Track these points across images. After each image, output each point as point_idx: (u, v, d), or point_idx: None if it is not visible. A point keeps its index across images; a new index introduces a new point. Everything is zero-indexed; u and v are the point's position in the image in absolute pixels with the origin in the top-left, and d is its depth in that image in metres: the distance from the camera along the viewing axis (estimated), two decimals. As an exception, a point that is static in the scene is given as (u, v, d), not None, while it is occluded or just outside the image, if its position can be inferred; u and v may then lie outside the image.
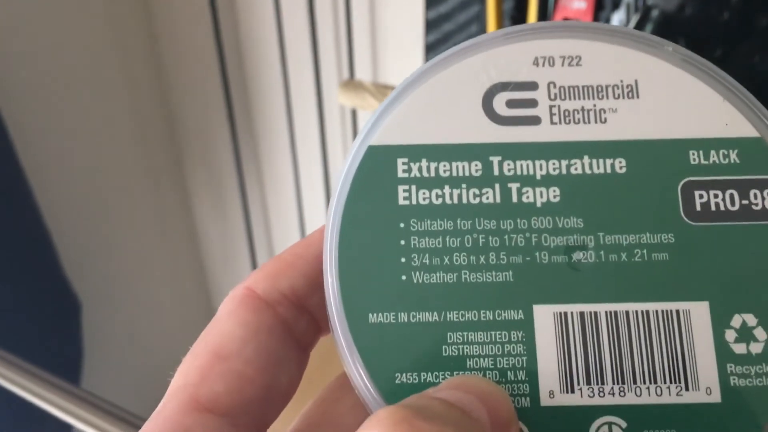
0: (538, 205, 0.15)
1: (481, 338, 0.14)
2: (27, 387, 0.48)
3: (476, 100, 0.16)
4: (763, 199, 0.15)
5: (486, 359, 0.14)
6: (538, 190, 0.15)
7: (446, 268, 0.15)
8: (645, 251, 0.15)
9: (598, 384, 0.14)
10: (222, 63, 0.83)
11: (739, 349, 0.14)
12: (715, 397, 0.14)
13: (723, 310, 0.14)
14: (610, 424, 0.14)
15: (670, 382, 0.14)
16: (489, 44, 0.16)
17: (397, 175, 0.15)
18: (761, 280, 0.14)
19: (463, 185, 0.15)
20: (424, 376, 0.14)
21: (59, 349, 0.79)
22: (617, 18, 0.53)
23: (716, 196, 0.15)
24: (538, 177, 0.15)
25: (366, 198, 0.15)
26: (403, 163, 0.15)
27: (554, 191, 0.15)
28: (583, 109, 0.15)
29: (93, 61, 0.83)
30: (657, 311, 0.14)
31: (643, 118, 0.15)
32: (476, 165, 0.15)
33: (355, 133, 0.77)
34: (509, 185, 0.15)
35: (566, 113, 0.15)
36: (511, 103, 0.16)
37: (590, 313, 0.14)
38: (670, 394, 0.14)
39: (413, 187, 0.15)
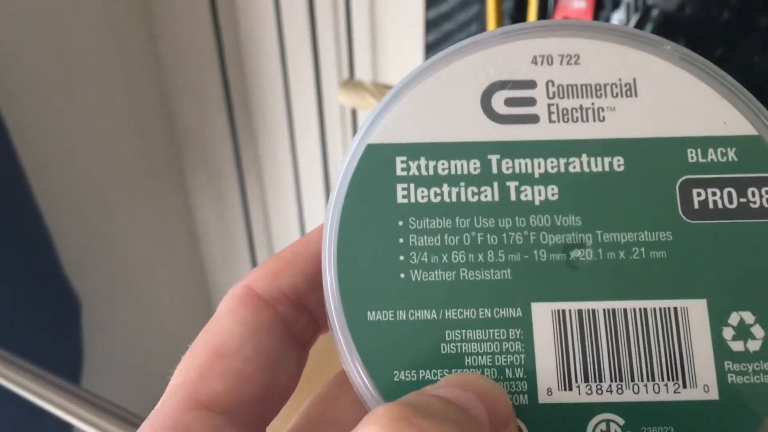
0: (537, 203, 0.15)
1: (479, 336, 0.14)
2: (27, 386, 0.48)
3: (475, 99, 0.16)
4: (761, 197, 0.15)
5: (484, 357, 0.14)
6: (536, 188, 0.15)
7: (445, 266, 0.15)
8: (643, 249, 0.15)
9: (596, 381, 0.14)
10: (222, 63, 0.83)
11: (737, 346, 0.14)
12: (713, 395, 0.14)
13: (721, 307, 0.14)
14: (608, 421, 0.14)
15: (668, 380, 0.14)
16: (488, 43, 0.16)
17: (396, 174, 0.15)
18: (759, 277, 0.14)
19: (462, 183, 0.15)
20: (422, 373, 0.14)
21: (59, 349, 0.79)
22: (617, 18, 0.53)
23: (714, 194, 0.15)
24: (537, 175, 0.15)
25: (365, 196, 0.15)
26: (402, 162, 0.15)
27: (552, 189, 0.15)
28: (581, 107, 0.15)
29: (93, 61, 0.83)
30: (655, 309, 0.14)
31: (641, 117, 0.15)
32: (475, 163, 0.15)
33: (354, 133, 0.77)
34: (508, 183, 0.15)
35: (565, 111, 0.15)
36: (509, 102, 0.16)
37: (588, 310, 0.14)
38: (667, 392, 0.14)
39: (412, 186, 0.15)
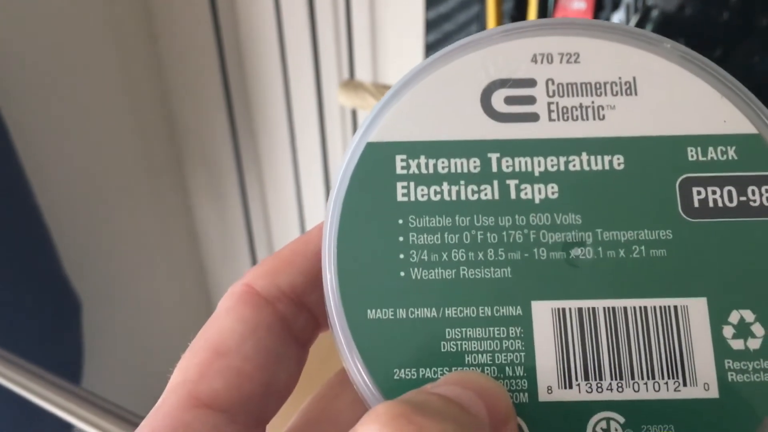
0: (537, 201, 0.15)
1: (479, 334, 0.14)
2: (27, 386, 0.48)
3: (475, 97, 0.16)
4: (761, 195, 0.15)
5: (484, 355, 0.14)
6: (536, 186, 0.15)
7: (445, 264, 0.15)
8: (643, 247, 0.15)
9: (596, 380, 0.14)
10: (222, 63, 0.83)
11: (737, 345, 0.14)
12: (713, 393, 0.14)
13: (721, 306, 0.14)
14: (608, 419, 0.14)
15: (668, 378, 0.14)
16: (488, 41, 0.16)
17: (396, 172, 0.15)
18: (759, 276, 0.14)
19: (462, 182, 0.15)
20: (422, 371, 0.14)
21: (59, 349, 0.79)
22: (617, 18, 0.53)
23: (714, 192, 0.15)
24: (537, 173, 0.15)
25: (364, 195, 0.15)
26: (402, 160, 0.15)
27: (552, 188, 0.15)
28: (581, 105, 0.15)
29: (93, 61, 0.83)
30: (655, 307, 0.14)
31: (641, 115, 0.15)
32: (474, 161, 0.15)
33: (354, 133, 0.77)
34: (507, 182, 0.15)
35: (564, 110, 0.15)
36: (509, 100, 0.16)
37: (588, 309, 0.14)
38: (668, 390, 0.14)
39: (412, 184, 0.15)
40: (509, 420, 0.13)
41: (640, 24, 0.50)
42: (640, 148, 0.15)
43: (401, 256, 0.15)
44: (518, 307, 0.15)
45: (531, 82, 0.16)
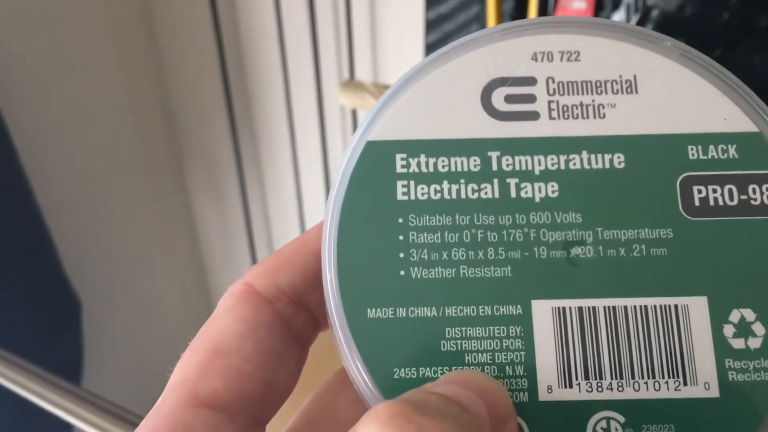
0: (537, 200, 0.15)
1: (479, 333, 0.14)
2: (27, 386, 0.48)
3: (475, 96, 0.16)
4: (762, 194, 0.15)
5: (484, 354, 0.14)
6: (536, 185, 0.15)
7: (445, 263, 0.15)
8: (643, 246, 0.15)
9: (596, 379, 0.14)
10: (222, 63, 0.83)
11: (738, 344, 0.14)
12: (714, 392, 0.14)
13: (721, 305, 0.14)
14: (608, 418, 0.14)
15: (669, 377, 0.14)
16: (488, 39, 0.16)
17: (396, 171, 0.15)
18: (760, 275, 0.14)
19: (462, 180, 0.15)
20: (422, 371, 0.14)
21: (59, 349, 0.79)
22: (617, 18, 0.53)
23: (715, 191, 0.15)
24: (537, 172, 0.15)
25: (364, 193, 0.15)
26: (402, 159, 0.15)
27: (553, 186, 0.15)
28: (581, 104, 0.15)
29: (93, 61, 0.83)
30: (655, 306, 0.14)
31: (641, 113, 0.15)
32: (475, 160, 0.15)
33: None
34: (508, 180, 0.15)
35: (565, 108, 0.15)
36: (509, 99, 0.16)
37: (588, 308, 0.14)
38: (668, 389, 0.14)
39: (412, 183, 0.15)
40: (509, 419, 0.13)
41: (640, 23, 0.50)
42: (640, 146, 0.15)
43: (401, 255, 0.15)
44: (518, 306, 0.14)
45: (531, 81, 0.16)
